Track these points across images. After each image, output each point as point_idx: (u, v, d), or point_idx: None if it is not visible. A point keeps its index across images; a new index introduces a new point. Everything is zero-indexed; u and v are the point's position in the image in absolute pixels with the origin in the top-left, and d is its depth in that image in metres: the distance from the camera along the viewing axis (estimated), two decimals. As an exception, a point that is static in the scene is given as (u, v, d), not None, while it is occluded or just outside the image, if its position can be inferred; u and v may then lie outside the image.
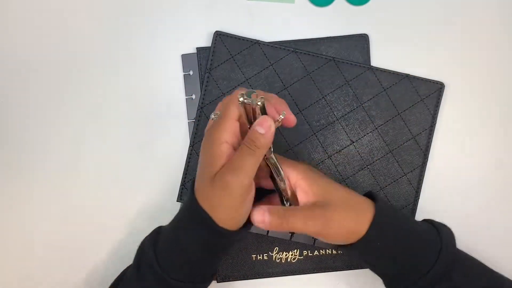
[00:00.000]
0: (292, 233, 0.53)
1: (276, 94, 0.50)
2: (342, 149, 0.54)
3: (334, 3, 0.57)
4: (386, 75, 0.54)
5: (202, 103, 0.54)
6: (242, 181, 0.38)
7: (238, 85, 0.54)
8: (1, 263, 0.55)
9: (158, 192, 0.55)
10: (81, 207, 0.55)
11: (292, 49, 0.54)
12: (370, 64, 0.55)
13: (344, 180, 0.54)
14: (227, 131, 0.39)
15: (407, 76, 0.55)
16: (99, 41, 0.56)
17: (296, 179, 0.44)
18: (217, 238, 0.40)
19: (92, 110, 0.56)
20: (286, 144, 0.53)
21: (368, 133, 0.54)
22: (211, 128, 0.40)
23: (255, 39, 0.54)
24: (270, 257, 0.55)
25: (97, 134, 0.55)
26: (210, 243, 0.41)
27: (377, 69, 0.54)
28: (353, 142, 0.54)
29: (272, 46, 0.54)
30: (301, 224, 0.40)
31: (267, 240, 0.55)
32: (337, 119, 0.54)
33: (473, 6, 0.57)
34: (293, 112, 0.44)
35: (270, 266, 0.55)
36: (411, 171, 0.55)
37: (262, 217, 0.39)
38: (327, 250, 0.55)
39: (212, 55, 0.54)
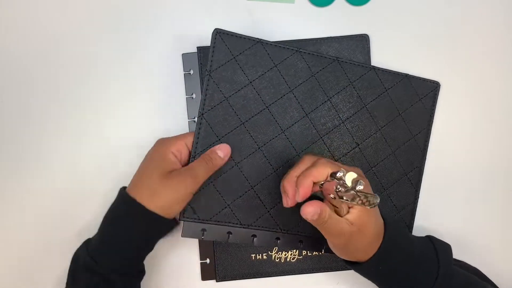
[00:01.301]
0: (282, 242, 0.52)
1: (282, 97, 0.51)
2: (348, 152, 0.53)
3: (334, 3, 0.57)
4: (387, 75, 0.54)
5: (203, 109, 0.50)
6: (193, 186, 0.47)
7: (242, 88, 0.51)
8: (1, 263, 0.55)
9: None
10: (81, 206, 0.55)
11: (296, 49, 0.52)
12: (370, 64, 0.55)
13: None
14: (177, 146, 0.48)
15: (406, 76, 0.55)
16: (99, 40, 0.56)
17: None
18: (147, 223, 0.46)
19: (93, 109, 0.56)
20: (293, 149, 0.52)
21: (372, 135, 0.54)
22: (166, 139, 0.49)
23: (257, 38, 0.51)
24: (269, 256, 0.55)
25: (97, 133, 0.56)
26: (140, 230, 0.46)
27: (379, 69, 0.54)
28: (358, 145, 0.54)
29: (275, 45, 0.52)
30: (332, 235, 0.44)
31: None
32: (342, 122, 0.53)
33: (473, 6, 0.57)
34: (300, 116, 0.52)
35: (270, 265, 0.55)
36: (411, 170, 0.55)
37: (315, 210, 0.42)
38: (327, 250, 0.55)
39: (212, 56, 0.50)
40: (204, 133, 0.49)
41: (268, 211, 0.50)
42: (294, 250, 0.55)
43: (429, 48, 0.57)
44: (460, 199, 0.56)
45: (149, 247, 0.49)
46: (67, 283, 0.48)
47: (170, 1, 0.57)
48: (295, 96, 0.52)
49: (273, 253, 0.55)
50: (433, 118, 0.55)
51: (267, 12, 0.57)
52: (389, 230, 0.45)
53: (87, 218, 0.55)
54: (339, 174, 0.40)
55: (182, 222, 0.49)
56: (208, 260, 0.55)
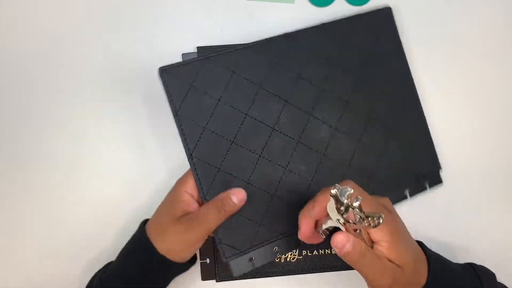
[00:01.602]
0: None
1: (255, 97, 0.49)
2: (343, 114, 0.52)
3: (334, 3, 0.57)
4: (339, 24, 0.54)
5: (188, 149, 0.47)
6: (200, 232, 0.45)
7: (214, 109, 0.48)
8: (1, 263, 0.55)
9: (159, 192, 0.56)
10: (81, 206, 0.55)
11: (242, 47, 0.50)
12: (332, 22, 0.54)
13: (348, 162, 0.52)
14: (189, 184, 0.47)
15: (356, 16, 0.54)
16: (99, 40, 0.56)
17: (380, 237, 0.40)
18: (155, 263, 0.45)
19: (92, 109, 0.56)
20: (291, 139, 0.50)
21: (353, 85, 0.53)
22: (181, 177, 0.48)
23: (203, 55, 0.49)
24: (269, 256, 0.55)
25: (97, 134, 0.56)
26: (148, 267, 0.46)
27: (328, 24, 0.53)
28: (348, 102, 0.52)
29: (223, 53, 0.49)
30: (375, 274, 0.40)
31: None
32: (322, 89, 0.51)
33: (473, 6, 0.57)
34: (281, 105, 0.50)
35: (270, 265, 0.55)
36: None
37: (344, 243, 0.39)
38: (327, 250, 0.55)
39: (170, 95, 0.47)
40: (202, 171, 0.47)
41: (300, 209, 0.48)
42: (294, 250, 0.55)
43: (430, 49, 0.57)
44: (457, 199, 0.56)
45: (162, 284, 0.48)
46: None
47: (170, 1, 0.57)
48: (266, 90, 0.50)
49: (273, 253, 0.55)
50: (401, 44, 0.55)
51: (267, 12, 0.57)
52: (433, 266, 0.42)
53: (87, 217, 0.55)
54: (333, 191, 0.36)
55: (228, 262, 0.48)
56: (208, 260, 0.55)
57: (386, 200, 0.44)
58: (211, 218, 0.45)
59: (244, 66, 0.50)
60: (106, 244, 0.55)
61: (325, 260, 0.55)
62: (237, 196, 0.46)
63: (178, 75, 0.48)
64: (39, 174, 0.55)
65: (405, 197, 0.53)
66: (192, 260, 0.50)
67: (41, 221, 0.55)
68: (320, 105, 0.51)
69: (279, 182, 0.49)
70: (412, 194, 0.54)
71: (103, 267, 0.49)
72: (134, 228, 0.54)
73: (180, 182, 0.48)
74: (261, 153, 0.49)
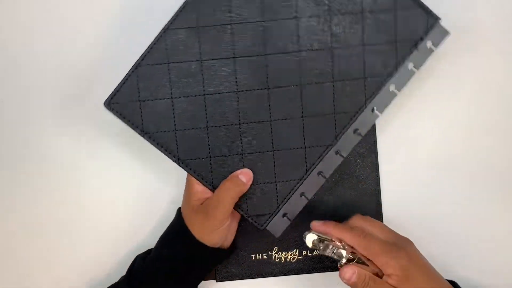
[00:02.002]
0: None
1: (201, 72, 0.47)
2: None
3: (334, 2, 0.57)
4: None
5: (174, 156, 0.48)
6: (218, 217, 0.46)
7: (173, 109, 0.47)
8: (1, 263, 0.55)
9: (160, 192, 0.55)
10: (81, 206, 0.55)
11: (159, 35, 0.47)
12: None
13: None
14: None
15: None
16: (100, 41, 0.56)
17: (391, 272, 0.44)
18: (195, 249, 0.47)
19: (93, 110, 0.55)
20: (265, 91, 0.47)
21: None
22: (188, 175, 0.49)
23: (132, 68, 0.46)
24: (269, 256, 0.55)
25: (98, 135, 0.55)
26: (189, 253, 0.48)
27: None
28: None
29: (146, 54, 0.47)
30: None
31: (266, 240, 0.55)
32: (264, 23, 0.47)
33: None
34: (229, 65, 0.47)
35: (270, 265, 0.55)
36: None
37: (351, 275, 0.44)
38: (327, 250, 0.55)
39: (129, 122, 0.47)
40: (196, 168, 0.48)
41: (304, 148, 0.49)
42: (294, 250, 0.55)
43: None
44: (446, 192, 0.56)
45: (204, 270, 0.50)
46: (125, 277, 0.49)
47: (170, 2, 0.56)
48: (208, 59, 0.47)
49: (273, 253, 0.55)
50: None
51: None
52: None
53: (87, 217, 0.55)
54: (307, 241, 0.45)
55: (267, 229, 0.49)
56: (208, 260, 0.55)
57: (405, 241, 0.46)
58: (224, 201, 0.46)
59: (173, 50, 0.47)
60: (109, 244, 0.55)
61: (325, 260, 0.55)
62: (244, 176, 0.47)
63: (124, 99, 0.47)
64: (39, 174, 0.55)
65: (412, 73, 0.48)
66: (232, 248, 0.52)
67: (41, 222, 0.55)
68: (270, 39, 0.47)
69: (272, 136, 0.48)
70: (419, 64, 0.48)
71: (143, 253, 0.51)
72: (135, 225, 0.54)
73: (188, 177, 0.49)
74: (239, 121, 0.48)
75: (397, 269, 0.43)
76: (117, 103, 0.47)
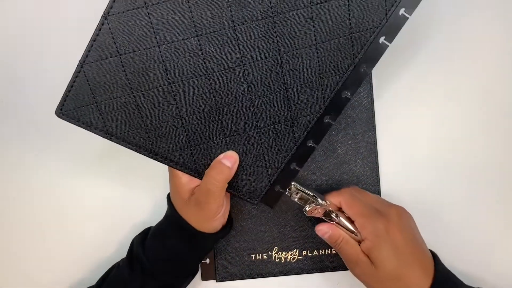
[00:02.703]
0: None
1: (161, 58, 0.41)
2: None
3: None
4: None
5: (151, 153, 0.44)
6: (212, 205, 0.45)
7: (136, 104, 0.42)
8: (1, 263, 0.55)
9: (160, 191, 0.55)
10: (81, 207, 0.55)
11: (99, 24, 0.40)
12: None
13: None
14: None
15: None
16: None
17: (365, 236, 0.46)
18: (197, 239, 0.47)
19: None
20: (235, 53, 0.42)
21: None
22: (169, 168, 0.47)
23: (77, 70, 0.41)
24: (269, 256, 0.55)
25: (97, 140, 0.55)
26: (192, 243, 0.48)
27: None
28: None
29: (88, 51, 0.41)
30: (349, 262, 0.47)
31: (266, 240, 0.55)
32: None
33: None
34: (193, 43, 0.41)
35: (270, 265, 0.55)
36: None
37: (324, 233, 0.47)
38: (327, 250, 0.55)
39: (91, 127, 0.42)
40: (178, 160, 0.45)
41: (291, 120, 0.45)
42: (294, 250, 0.55)
43: (428, 52, 0.57)
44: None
45: (205, 249, 0.50)
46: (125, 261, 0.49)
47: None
48: (168, 43, 0.41)
49: (273, 253, 0.55)
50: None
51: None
52: (437, 282, 0.44)
53: (88, 217, 0.55)
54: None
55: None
56: (208, 260, 0.55)
57: (394, 210, 0.46)
58: (213, 191, 0.44)
59: (123, 38, 0.40)
60: (108, 243, 0.55)
61: (325, 260, 0.55)
62: (228, 159, 0.44)
63: (77, 103, 0.42)
64: (39, 175, 0.55)
65: (405, 18, 0.42)
66: (229, 224, 0.51)
67: (41, 222, 0.55)
68: (239, 6, 0.41)
69: (254, 114, 0.44)
70: (411, 8, 0.42)
71: (140, 235, 0.50)
72: (135, 225, 0.54)
73: (171, 169, 0.47)
74: (216, 105, 0.44)
75: (371, 234, 0.45)
76: (70, 110, 0.42)
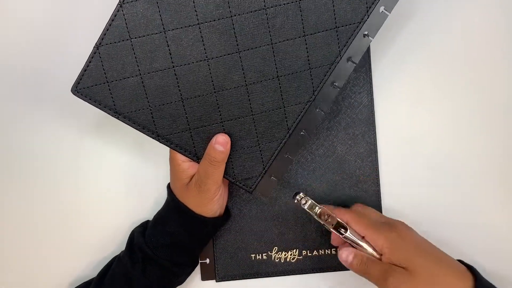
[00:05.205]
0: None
1: (166, 43, 0.45)
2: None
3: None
4: None
5: (153, 133, 0.47)
6: (210, 188, 0.47)
7: (143, 86, 0.46)
8: (1, 263, 0.55)
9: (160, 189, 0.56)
10: (81, 207, 0.55)
11: (116, 10, 0.44)
12: None
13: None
14: (178, 154, 0.48)
15: None
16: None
17: (381, 246, 0.46)
18: (196, 223, 0.49)
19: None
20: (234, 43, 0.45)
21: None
22: (171, 153, 0.49)
23: (93, 51, 0.45)
24: (269, 256, 0.55)
25: (97, 136, 0.56)
26: (191, 227, 0.49)
27: None
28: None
29: (105, 33, 0.45)
30: (374, 278, 0.46)
31: (266, 240, 0.55)
32: None
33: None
34: (194, 32, 0.45)
35: (270, 265, 0.55)
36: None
37: (347, 257, 0.47)
38: (327, 250, 0.55)
39: (101, 105, 0.46)
40: (178, 142, 0.47)
41: (283, 108, 0.48)
42: (294, 250, 0.55)
43: (428, 53, 0.57)
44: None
45: (206, 237, 0.51)
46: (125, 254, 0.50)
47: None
48: (172, 29, 0.45)
49: (273, 253, 0.55)
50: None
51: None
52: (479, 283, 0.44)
53: (88, 217, 0.55)
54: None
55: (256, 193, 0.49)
56: (208, 260, 0.55)
57: (398, 222, 0.48)
58: (210, 173, 0.46)
59: (134, 25, 0.45)
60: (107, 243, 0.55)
61: (325, 260, 0.55)
62: (220, 144, 0.46)
63: (90, 82, 0.45)
64: (39, 174, 0.55)
65: (385, 16, 0.46)
66: (227, 214, 0.54)
67: (41, 222, 0.55)
68: None
69: (249, 100, 0.47)
70: (390, 6, 0.46)
71: (139, 226, 0.52)
72: (134, 224, 0.55)
73: (171, 155, 0.49)
74: (214, 89, 0.46)
75: (386, 244, 0.46)
76: (84, 88, 0.45)
